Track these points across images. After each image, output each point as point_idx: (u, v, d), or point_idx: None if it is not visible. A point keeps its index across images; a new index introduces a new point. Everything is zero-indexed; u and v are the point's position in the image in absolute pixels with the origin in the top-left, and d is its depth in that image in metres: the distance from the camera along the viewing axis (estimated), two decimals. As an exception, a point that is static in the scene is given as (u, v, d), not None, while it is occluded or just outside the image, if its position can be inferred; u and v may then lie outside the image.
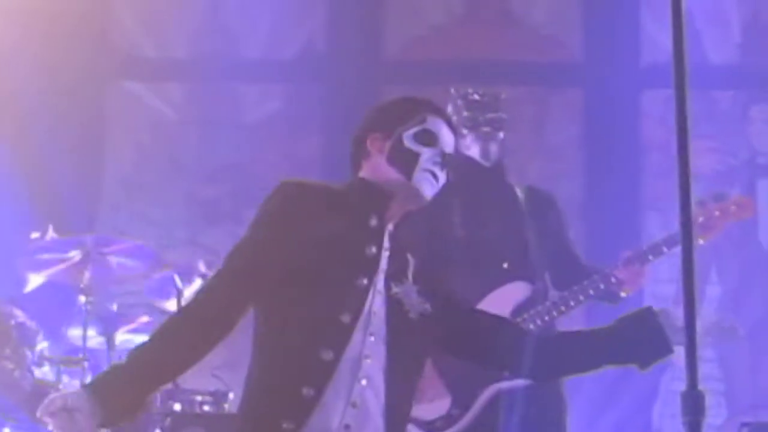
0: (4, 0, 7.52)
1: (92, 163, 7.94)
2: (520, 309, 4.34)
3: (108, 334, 5.99)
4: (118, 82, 8.12)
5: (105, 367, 4.82)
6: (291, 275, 2.88)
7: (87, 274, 5.86)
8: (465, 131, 4.51)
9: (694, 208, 2.25)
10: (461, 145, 4.43)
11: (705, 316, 7.13)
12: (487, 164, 4.56)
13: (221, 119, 8.09)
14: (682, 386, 2.23)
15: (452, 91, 4.61)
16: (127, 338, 6.07)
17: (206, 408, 5.88)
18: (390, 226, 3.04)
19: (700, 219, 4.36)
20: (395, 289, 2.96)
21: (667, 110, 7.42)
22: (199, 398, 5.87)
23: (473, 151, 4.55)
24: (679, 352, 2.31)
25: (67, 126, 7.72)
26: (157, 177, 7.97)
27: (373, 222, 2.99)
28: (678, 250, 2.30)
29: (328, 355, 2.83)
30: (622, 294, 4.46)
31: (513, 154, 5.60)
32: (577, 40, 8.05)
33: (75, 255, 5.90)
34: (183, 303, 5.65)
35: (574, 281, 4.43)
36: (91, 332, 5.94)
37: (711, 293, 7.55)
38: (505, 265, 4.47)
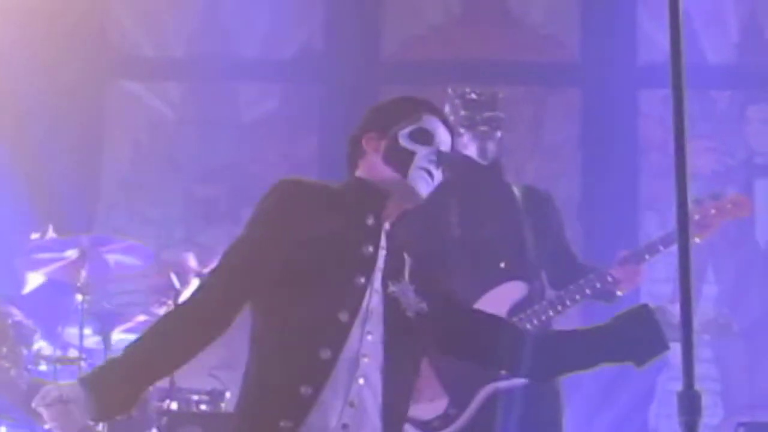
0: (3, 0, 7.52)
1: (91, 163, 7.94)
2: (516, 308, 4.33)
3: (104, 333, 5.99)
4: (117, 81, 8.12)
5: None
6: (288, 274, 2.87)
7: (84, 273, 5.86)
8: (462, 130, 4.49)
9: (691, 206, 2.25)
10: (458, 144, 4.42)
11: (701, 313, 7.12)
12: (484, 163, 4.55)
13: (220, 119, 8.09)
14: (678, 386, 2.23)
15: (449, 90, 4.60)
16: (124, 337, 6.06)
17: (203, 407, 5.89)
18: (387, 225, 3.04)
19: (696, 217, 4.34)
20: (392, 288, 2.96)
21: (665, 110, 7.42)
22: (195, 397, 5.88)
23: (470, 150, 4.53)
24: (676, 352, 2.31)
25: (66, 126, 7.73)
26: (156, 176, 7.97)
27: (370, 221, 2.99)
28: (674, 248, 2.30)
29: (326, 354, 2.83)
30: (619, 293, 4.45)
31: (511, 153, 5.61)
32: (575, 40, 8.05)
33: (72, 254, 5.91)
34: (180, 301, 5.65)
35: (571, 280, 4.42)
36: (88, 331, 5.94)
37: (708, 292, 7.55)
38: (502, 265, 4.46)
